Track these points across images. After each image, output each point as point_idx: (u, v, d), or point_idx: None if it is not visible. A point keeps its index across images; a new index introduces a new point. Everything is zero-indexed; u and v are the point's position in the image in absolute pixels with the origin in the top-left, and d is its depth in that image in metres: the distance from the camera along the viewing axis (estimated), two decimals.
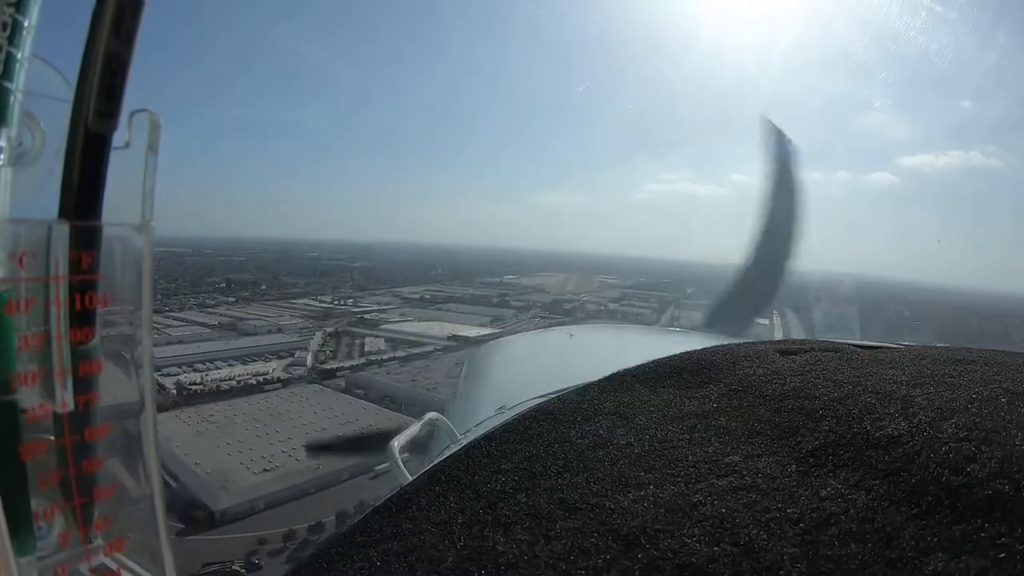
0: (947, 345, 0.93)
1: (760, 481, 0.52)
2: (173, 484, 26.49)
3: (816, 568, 0.40)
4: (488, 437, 0.70)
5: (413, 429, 1.13)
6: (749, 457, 0.57)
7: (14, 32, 0.50)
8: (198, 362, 42.29)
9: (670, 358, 0.89)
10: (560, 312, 57.56)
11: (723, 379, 0.77)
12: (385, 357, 47.96)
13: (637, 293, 69.83)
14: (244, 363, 44.19)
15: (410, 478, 0.73)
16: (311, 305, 61.09)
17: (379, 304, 64.80)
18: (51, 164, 0.54)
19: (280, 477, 29.20)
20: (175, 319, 51.72)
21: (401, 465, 0.98)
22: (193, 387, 38.91)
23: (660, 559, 0.44)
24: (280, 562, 22.17)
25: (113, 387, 0.55)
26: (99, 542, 0.55)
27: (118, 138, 0.54)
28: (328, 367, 45.74)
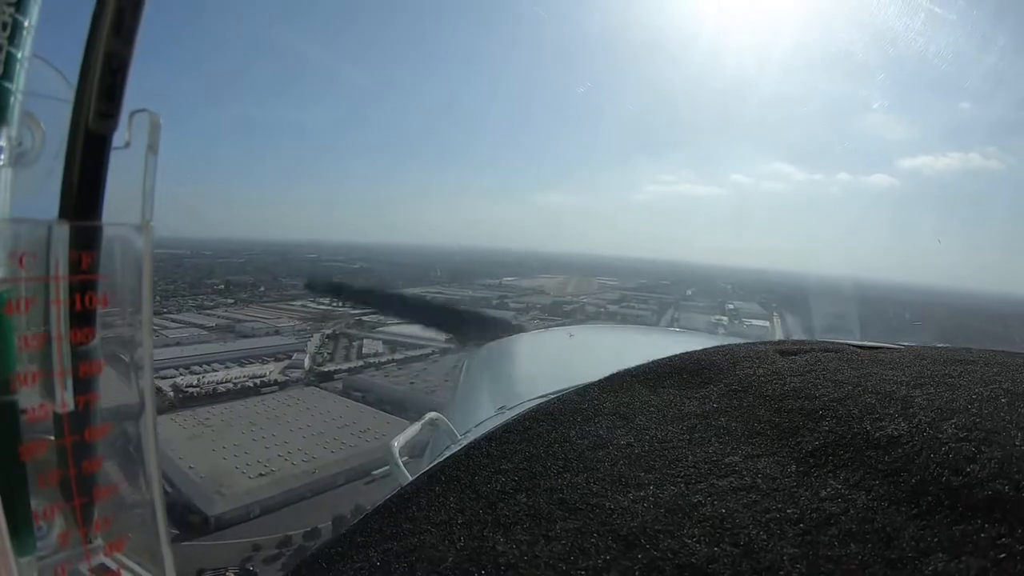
0: (947, 346, 0.93)
1: (760, 481, 0.52)
2: (168, 489, 26.23)
3: (816, 568, 0.40)
4: (488, 437, 0.70)
5: (413, 429, 1.13)
6: (749, 457, 0.57)
7: (14, 32, 0.50)
8: (195, 364, 42.13)
9: (670, 358, 0.89)
10: (560, 314, 57.38)
11: (723, 379, 0.77)
12: (383, 360, 47.85)
13: (637, 295, 69.83)
14: (241, 365, 44.00)
15: (410, 478, 0.73)
16: (309, 307, 60.96)
17: None
18: (51, 164, 0.54)
19: (276, 481, 29.05)
20: (173, 321, 51.58)
21: (401, 465, 0.98)
22: (190, 389, 38.73)
23: (660, 559, 0.44)
24: (275, 569, 22.08)
25: (113, 388, 0.55)
26: (99, 542, 0.55)
27: (118, 138, 0.54)
28: (326, 369, 45.57)
